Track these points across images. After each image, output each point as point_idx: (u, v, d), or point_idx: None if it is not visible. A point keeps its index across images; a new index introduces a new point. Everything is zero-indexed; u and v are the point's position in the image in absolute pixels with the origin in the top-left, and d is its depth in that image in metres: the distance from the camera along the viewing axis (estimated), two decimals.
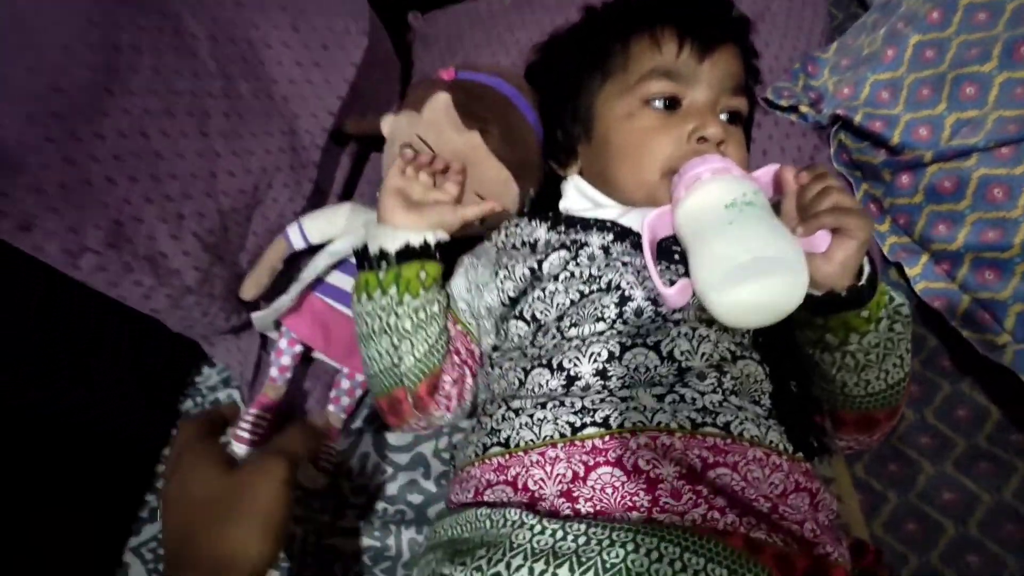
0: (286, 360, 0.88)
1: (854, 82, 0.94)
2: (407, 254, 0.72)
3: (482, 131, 0.77)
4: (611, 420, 0.59)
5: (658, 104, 0.73)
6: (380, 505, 0.87)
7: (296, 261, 0.89)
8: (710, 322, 0.65)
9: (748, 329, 0.66)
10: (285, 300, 0.84)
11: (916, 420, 0.78)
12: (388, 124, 0.84)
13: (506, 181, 0.80)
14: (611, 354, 0.64)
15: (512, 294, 0.73)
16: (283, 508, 0.55)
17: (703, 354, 0.63)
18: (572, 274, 0.71)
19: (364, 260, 0.74)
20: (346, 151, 1.02)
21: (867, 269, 0.60)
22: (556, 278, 0.71)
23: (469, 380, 0.77)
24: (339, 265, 0.87)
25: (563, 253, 0.72)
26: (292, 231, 0.86)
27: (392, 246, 0.72)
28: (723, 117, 0.74)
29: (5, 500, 0.76)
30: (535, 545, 0.52)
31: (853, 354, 0.62)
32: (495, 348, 0.75)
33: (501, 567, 0.51)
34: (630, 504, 0.55)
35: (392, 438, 0.91)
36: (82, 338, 0.85)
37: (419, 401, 0.74)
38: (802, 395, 0.67)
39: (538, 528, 0.53)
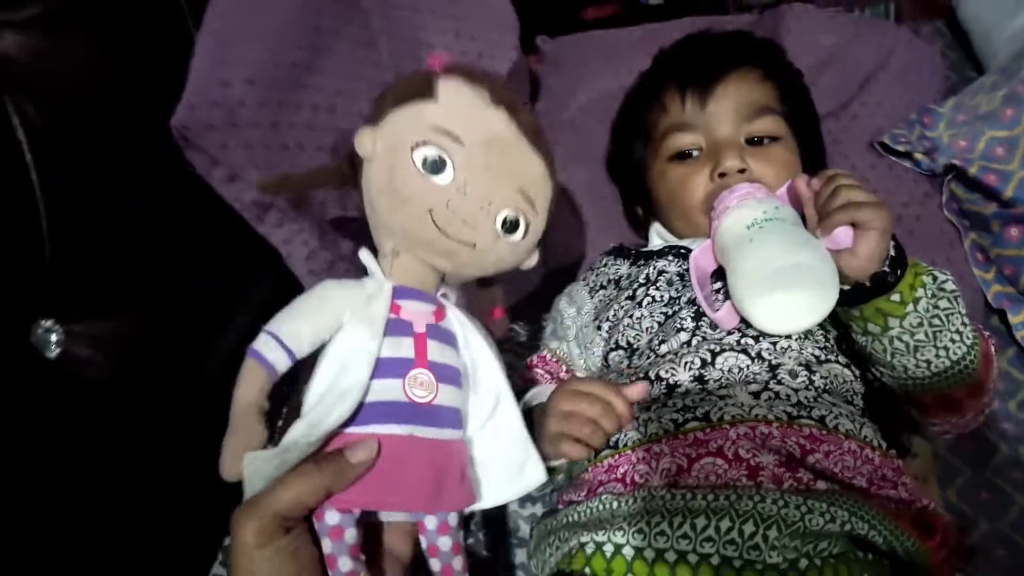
0: (345, 545, 0.48)
1: (971, 136, 0.98)
2: None
3: (511, 111, 0.57)
4: (711, 415, 0.63)
5: (679, 157, 0.82)
6: None
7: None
8: None
9: (797, 334, 0.69)
10: (291, 456, 0.47)
11: (1010, 455, 0.81)
12: (369, 138, 0.55)
13: (544, 175, 0.59)
14: (704, 361, 0.69)
15: (608, 331, 0.79)
16: None
17: (790, 357, 0.68)
18: (654, 299, 0.77)
19: None
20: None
21: (891, 254, 0.62)
22: (641, 305, 0.77)
23: None
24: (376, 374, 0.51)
25: (645, 284, 0.79)
26: (269, 350, 0.50)
27: None
28: (753, 142, 0.80)
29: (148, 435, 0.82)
30: (671, 507, 0.57)
31: (899, 337, 0.63)
32: (601, 374, 0.80)
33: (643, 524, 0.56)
34: (733, 487, 0.58)
35: None
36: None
37: None
38: (892, 395, 0.70)
39: (668, 496, 0.58)
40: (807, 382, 0.66)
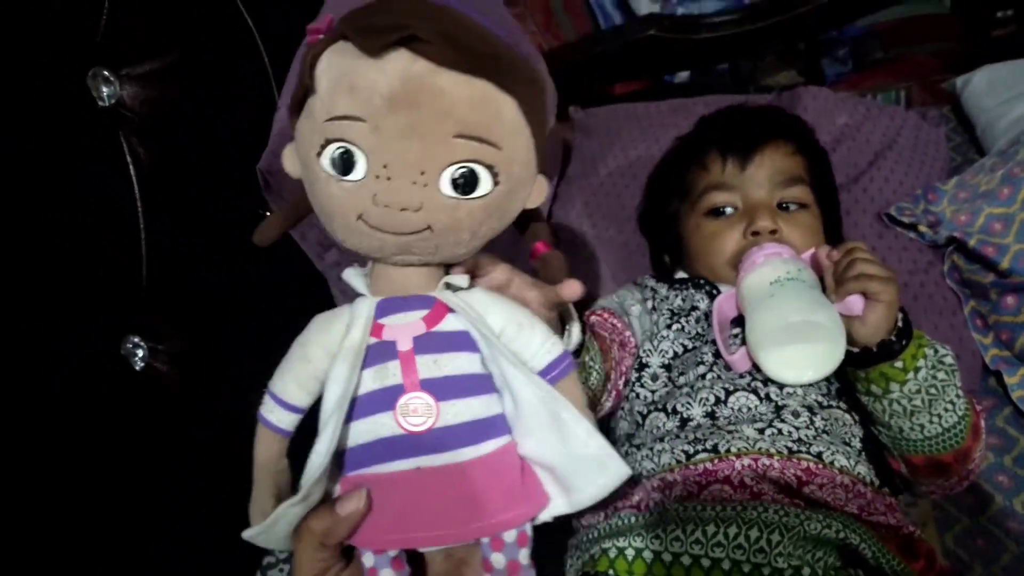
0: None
1: (971, 212, 1.06)
2: None
3: (406, 42, 0.42)
4: (719, 447, 0.71)
5: (715, 213, 0.89)
6: None
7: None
8: None
9: (804, 384, 0.76)
10: (295, 507, 0.46)
11: (1005, 506, 0.87)
12: (289, 160, 0.49)
13: (487, 97, 0.44)
14: (717, 398, 0.76)
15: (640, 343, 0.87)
16: None
17: (795, 400, 0.76)
18: (682, 328, 0.85)
19: None
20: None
21: (899, 325, 0.69)
22: (669, 327, 0.85)
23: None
24: (355, 410, 0.48)
25: (678, 313, 0.87)
26: (266, 409, 0.50)
27: None
28: (783, 207, 0.88)
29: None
30: (684, 516, 0.65)
31: (898, 400, 0.70)
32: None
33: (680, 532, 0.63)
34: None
35: None
36: None
37: None
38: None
39: (681, 508, 0.66)
40: (808, 422, 0.73)
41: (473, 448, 0.47)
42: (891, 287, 0.69)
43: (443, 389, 0.47)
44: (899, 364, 0.69)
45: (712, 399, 0.77)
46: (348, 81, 0.43)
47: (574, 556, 0.72)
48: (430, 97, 0.42)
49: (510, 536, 0.48)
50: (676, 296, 0.90)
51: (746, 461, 0.69)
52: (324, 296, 0.94)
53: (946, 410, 0.71)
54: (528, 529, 0.49)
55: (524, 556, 0.48)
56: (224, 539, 0.81)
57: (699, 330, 0.85)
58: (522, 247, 0.56)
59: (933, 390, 0.70)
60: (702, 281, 0.90)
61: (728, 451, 0.70)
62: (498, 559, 0.48)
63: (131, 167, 0.75)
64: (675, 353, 0.83)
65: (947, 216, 1.10)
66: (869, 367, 0.71)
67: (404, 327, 0.48)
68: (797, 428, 0.73)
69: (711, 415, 0.76)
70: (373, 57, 0.42)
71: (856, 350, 0.71)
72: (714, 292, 0.88)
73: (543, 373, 0.50)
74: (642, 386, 0.83)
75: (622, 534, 0.66)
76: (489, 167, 0.44)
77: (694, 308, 0.87)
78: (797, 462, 0.69)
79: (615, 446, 0.51)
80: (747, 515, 0.62)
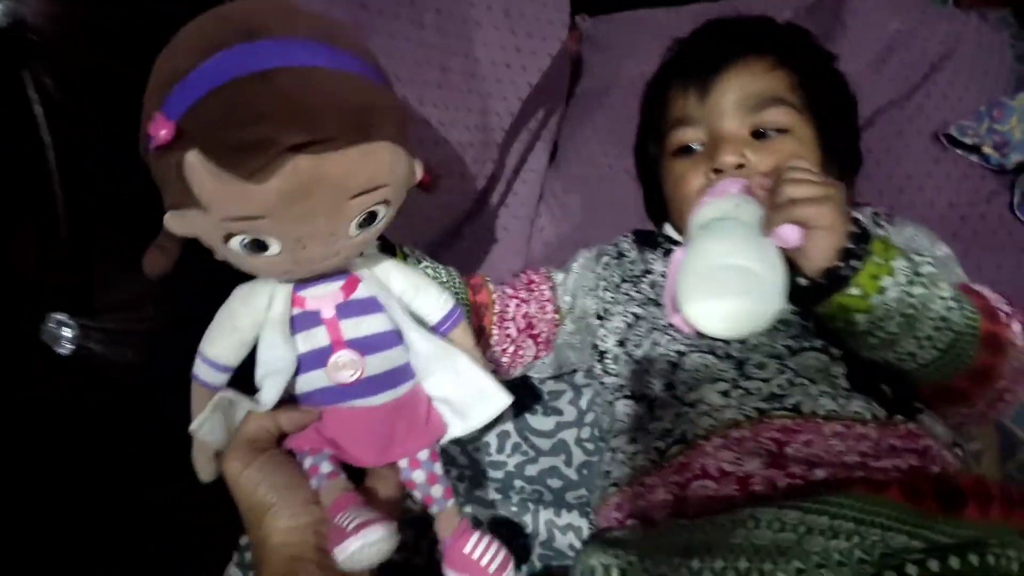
0: (327, 467, 0.56)
1: None
2: None
3: (279, 155, 0.43)
4: (687, 434, 0.62)
5: (683, 152, 0.78)
6: (518, 483, 0.88)
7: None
8: None
9: (740, 337, 0.66)
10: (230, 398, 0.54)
11: None
12: (176, 223, 0.48)
13: (362, 156, 0.47)
14: (673, 364, 0.68)
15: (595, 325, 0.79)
16: (252, 495, 0.53)
17: (760, 352, 0.66)
18: (630, 296, 0.77)
19: None
20: None
21: (848, 245, 0.58)
22: (615, 300, 0.77)
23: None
24: (300, 370, 0.56)
25: (631, 280, 0.79)
26: (200, 370, 0.55)
27: None
28: (760, 135, 0.75)
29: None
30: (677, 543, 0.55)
31: (871, 332, 0.59)
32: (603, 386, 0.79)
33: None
34: (730, 507, 0.55)
35: (534, 422, 0.91)
36: None
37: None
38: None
39: (677, 528, 0.57)
40: (778, 371, 0.63)
41: (393, 391, 0.57)
42: (826, 208, 0.57)
43: (365, 346, 0.55)
44: (855, 291, 0.58)
45: (668, 367, 0.68)
46: (234, 191, 0.43)
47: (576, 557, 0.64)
48: (320, 185, 0.45)
49: (423, 455, 0.59)
50: (636, 264, 0.80)
51: (716, 442, 0.60)
52: None
53: (937, 328, 0.58)
54: (437, 448, 0.60)
55: (438, 468, 0.60)
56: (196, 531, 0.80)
57: (652, 295, 0.76)
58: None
59: (911, 310, 0.57)
60: (660, 239, 0.81)
61: (696, 436, 0.61)
62: (418, 475, 0.58)
63: (37, 105, 0.60)
64: (627, 324, 0.75)
65: (1016, 137, 0.96)
66: (822, 301, 0.60)
67: (325, 297, 0.55)
68: (766, 381, 0.63)
69: (670, 386, 0.67)
70: (256, 183, 0.43)
71: (807, 283, 0.60)
72: (671, 250, 0.77)
73: (438, 325, 0.61)
74: (608, 374, 0.75)
75: (616, 551, 0.57)
76: (384, 202, 0.51)
77: (647, 272, 0.78)
78: (769, 423, 0.59)
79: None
80: (735, 539, 0.51)
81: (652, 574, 0.53)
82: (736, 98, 0.75)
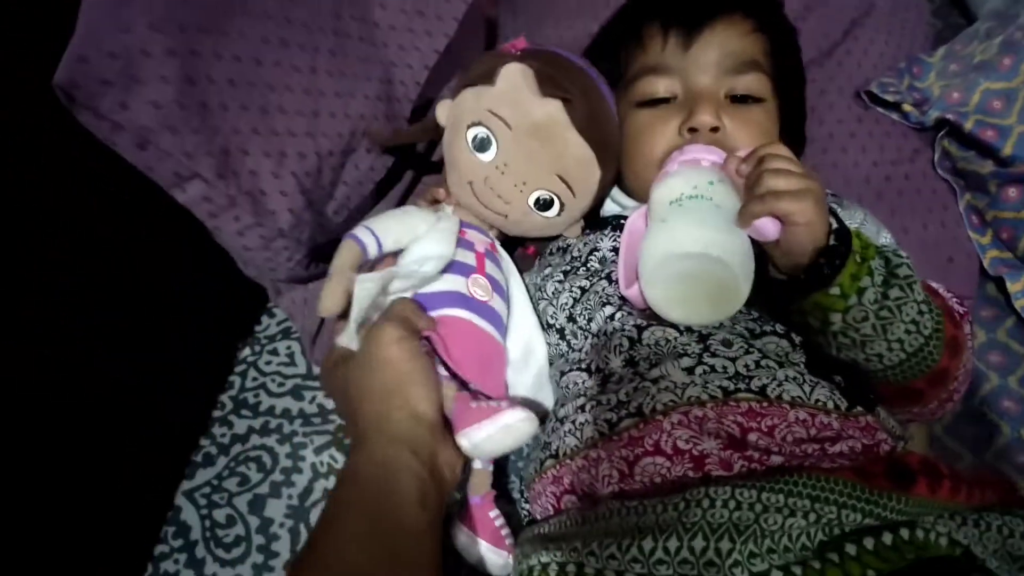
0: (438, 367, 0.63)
1: (964, 88, 0.91)
2: None
3: (564, 101, 0.64)
4: (644, 407, 0.58)
5: (650, 104, 0.73)
6: None
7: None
8: None
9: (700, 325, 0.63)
10: (388, 288, 0.64)
11: (1012, 437, 0.76)
12: (445, 110, 0.70)
13: (589, 163, 0.67)
14: (632, 340, 0.63)
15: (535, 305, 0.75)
16: (407, 363, 0.56)
17: (723, 328, 0.63)
18: (577, 273, 0.72)
19: None
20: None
21: (831, 243, 0.56)
22: (563, 281, 0.73)
23: None
24: (447, 270, 0.66)
25: (577, 260, 0.74)
26: (364, 235, 0.64)
27: None
28: (733, 99, 0.72)
29: (64, 439, 0.74)
30: (625, 525, 0.52)
31: (844, 332, 0.57)
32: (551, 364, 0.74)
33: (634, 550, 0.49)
34: (682, 487, 0.52)
35: None
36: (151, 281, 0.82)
37: None
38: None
39: (623, 511, 0.53)
40: (745, 349, 0.60)
41: (499, 334, 0.67)
42: (807, 203, 0.54)
43: (495, 284, 0.68)
44: (835, 291, 0.55)
45: (626, 343, 0.63)
46: (516, 96, 0.64)
47: (517, 553, 0.61)
48: (557, 142, 0.65)
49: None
50: (581, 245, 0.76)
51: (675, 418, 0.56)
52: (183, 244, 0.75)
53: (908, 332, 0.57)
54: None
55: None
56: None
57: (599, 269, 0.72)
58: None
59: (886, 312, 0.56)
60: (608, 219, 0.77)
61: (654, 410, 0.57)
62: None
63: None
64: (574, 300, 0.71)
65: (936, 93, 0.95)
66: (799, 298, 0.58)
67: (479, 240, 0.70)
68: (733, 359, 0.59)
69: (630, 361, 0.63)
70: (540, 96, 0.64)
71: (783, 277, 0.58)
72: (619, 226, 0.73)
73: None
74: (568, 348, 0.71)
75: (559, 545, 0.54)
76: (562, 204, 0.68)
77: (595, 251, 0.74)
78: (735, 405, 0.56)
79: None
80: (689, 516, 0.48)
81: (599, 560, 0.50)
82: (718, 55, 0.71)
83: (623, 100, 0.76)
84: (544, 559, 0.53)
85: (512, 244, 0.78)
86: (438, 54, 0.86)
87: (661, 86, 0.73)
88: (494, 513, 0.64)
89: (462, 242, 0.67)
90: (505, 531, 0.64)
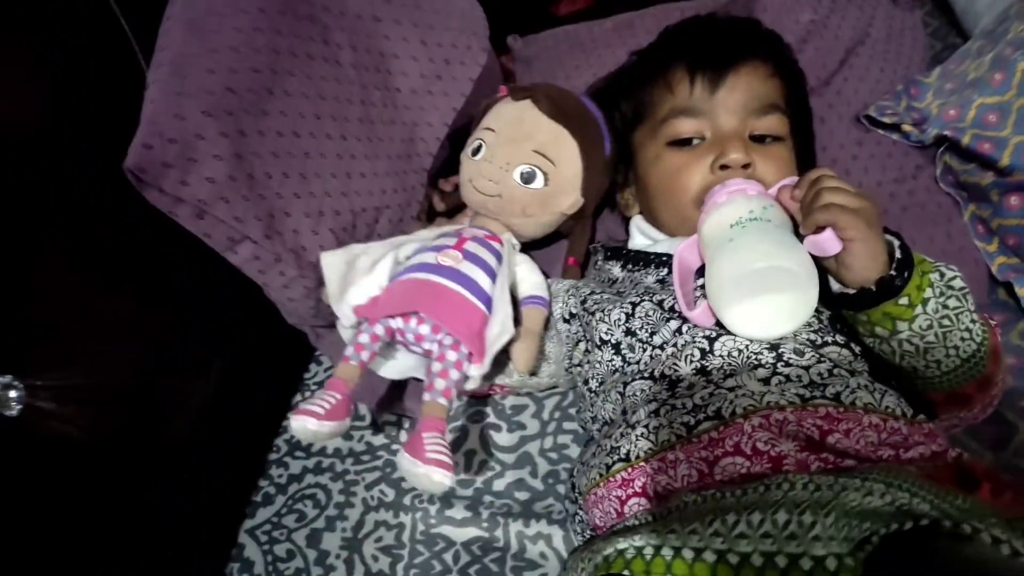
0: (365, 338, 0.71)
1: (959, 104, 0.95)
2: None
3: (532, 99, 0.81)
4: (723, 411, 0.60)
5: (680, 143, 0.78)
6: (487, 498, 0.89)
7: None
8: None
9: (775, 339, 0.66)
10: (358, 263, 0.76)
11: None
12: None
13: (560, 135, 0.80)
14: (703, 350, 0.66)
15: (584, 325, 0.79)
16: None
17: (788, 339, 0.66)
18: (622, 296, 0.76)
19: None
20: None
21: (897, 256, 0.60)
22: (610, 300, 0.76)
23: None
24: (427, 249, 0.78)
25: (621, 292, 0.78)
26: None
27: None
28: (756, 139, 0.77)
29: (131, 481, 0.80)
30: (703, 508, 0.54)
31: (909, 340, 0.61)
32: (588, 381, 0.78)
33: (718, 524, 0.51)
34: (761, 477, 0.55)
35: (498, 438, 0.93)
36: (214, 333, 0.90)
37: None
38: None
39: (699, 499, 0.55)
40: (816, 359, 0.63)
41: (472, 296, 0.73)
42: (858, 220, 0.59)
43: (470, 256, 0.76)
44: (904, 300, 0.60)
45: (697, 354, 0.67)
46: (499, 111, 0.84)
47: (584, 555, 0.61)
48: (529, 126, 0.80)
49: (457, 355, 0.70)
50: (631, 278, 0.81)
51: (756, 421, 0.58)
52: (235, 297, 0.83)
53: (963, 339, 0.62)
54: (464, 358, 0.71)
55: (456, 374, 0.70)
56: None
57: (645, 292, 0.76)
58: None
59: (946, 321, 0.61)
60: (651, 256, 0.80)
61: (733, 413, 0.59)
62: (450, 355, 0.70)
63: None
64: (626, 315, 0.73)
65: (933, 112, 0.98)
66: (869, 309, 0.61)
67: (472, 232, 0.80)
68: (807, 368, 0.62)
69: (703, 371, 0.66)
70: (513, 102, 0.83)
71: (852, 291, 0.62)
72: (665, 260, 0.78)
73: (524, 299, 0.81)
74: (605, 364, 0.74)
75: (637, 531, 0.56)
76: (544, 173, 0.80)
77: (638, 284, 0.79)
78: (814, 410, 0.58)
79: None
80: (771, 496, 0.51)
81: (679, 536, 0.51)
82: (744, 98, 0.77)
83: (652, 140, 0.82)
84: (620, 545, 0.54)
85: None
86: (455, 111, 0.94)
87: (692, 127, 0.78)
88: (428, 436, 0.65)
89: (451, 234, 0.80)
90: (437, 450, 0.64)
